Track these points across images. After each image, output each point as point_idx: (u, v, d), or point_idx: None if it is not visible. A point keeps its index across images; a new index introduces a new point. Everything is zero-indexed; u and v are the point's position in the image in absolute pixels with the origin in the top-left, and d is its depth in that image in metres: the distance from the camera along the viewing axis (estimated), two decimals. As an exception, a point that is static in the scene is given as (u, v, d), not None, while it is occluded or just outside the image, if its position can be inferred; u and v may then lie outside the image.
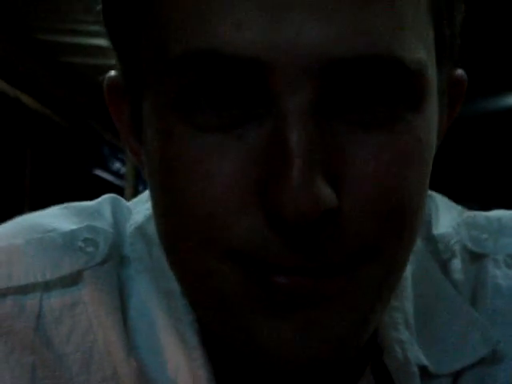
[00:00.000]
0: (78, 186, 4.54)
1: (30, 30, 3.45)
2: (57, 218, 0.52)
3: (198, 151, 0.36)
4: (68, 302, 0.48)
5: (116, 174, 5.54)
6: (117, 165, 5.52)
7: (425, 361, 0.48)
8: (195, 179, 0.36)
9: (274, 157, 0.35)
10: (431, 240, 0.53)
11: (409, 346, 0.48)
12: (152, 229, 0.50)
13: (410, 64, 0.35)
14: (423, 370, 0.48)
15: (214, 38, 0.35)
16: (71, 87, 4.18)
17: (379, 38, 0.34)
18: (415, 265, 0.51)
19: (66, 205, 0.54)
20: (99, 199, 0.54)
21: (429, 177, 0.40)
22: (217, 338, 0.47)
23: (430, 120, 0.39)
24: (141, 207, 0.53)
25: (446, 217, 0.55)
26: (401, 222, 0.38)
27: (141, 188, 4.69)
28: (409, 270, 0.50)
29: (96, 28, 3.18)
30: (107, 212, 0.52)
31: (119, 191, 4.37)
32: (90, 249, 0.49)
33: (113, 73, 0.46)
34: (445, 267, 0.52)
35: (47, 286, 0.48)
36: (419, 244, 0.51)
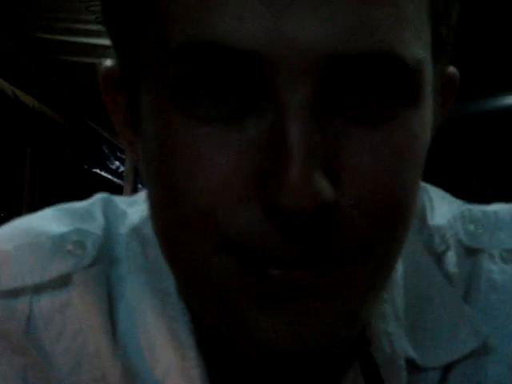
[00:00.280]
0: (77, 185, 4.54)
1: (29, 28, 3.44)
2: (48, 221, 0.52)
3: (197, 143, 0.36)
4: (58, 305, 0.48)
5: (115, 172, 5.53)
6: (116, 163, 5.50)
7: (412, 353, 0.48)
8: (193, 171, 0.37)
9: (273, 150, 0.35)
10: (426, 231, 0.53)
11: (396, 339, 0.48)
12: (148, 230, 0.50)
13: (409, 61, 0.36)
14: (411, 362, 0.48)
15: (216, 30, 0.35)
16: (70, 86, 4.17)
17: (380, 36, 0.35)
18: (409, 257, 0.51)
19: (58, 207, 0.54)
20: (91, 199, 0.54)
21: (422, 172, 0.40)
22: (212, 336, 0.47)
23: (425, 117, 0.39)
24: (137, 208, 0.53)
25: (443, 208, 0.55)
26: (395, 217, 0.38)
27: (140, 186, 4.68)
28: (401, 263, 0.50)
29: (95, 27, 3.17)
30: (98, 213, 0.53)
31: (118, 189, 4.37)
32: (78, 251, 0.49)
33: (108, 62, 0.46)
34: (439, 260, 0.53)
35: (37, 289, 0.48)
36: (413, 236, 0.52)
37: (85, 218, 0.52)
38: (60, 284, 0.49)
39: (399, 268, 0.50)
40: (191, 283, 0.41)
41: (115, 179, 5.41)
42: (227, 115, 0.36)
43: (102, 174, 5.30)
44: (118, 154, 5.39)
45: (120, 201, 0.55)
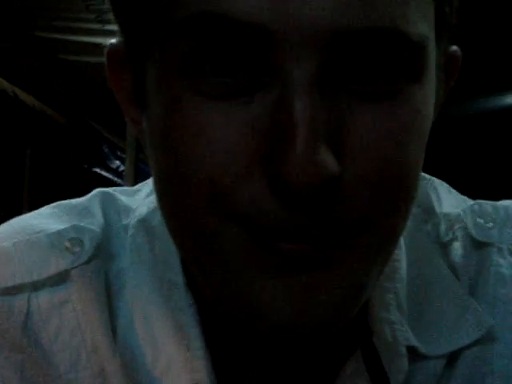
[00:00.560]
0: (77, 184, 4.53)
1: (30, 27, 3.44)
2: (46, 219, 0.52)
3: (204, 118, 0.37)
4: (56, 302, 0.49)
5: (115, 171, 5.53)
6: (116, 162, 5.50)
7: (415, 342, 0.48)
8: (200, 145, 0.37)
9: (278, 125, 0.36)
10: (432, 220, 0.54)
11: (398, 327, 0.48)
12: (156, 221, 0.51)
13: (413, 37, 0.36)
14: (414, 351, 0.49)
15: (221, 2, 0.35)
16: (71, 85, 4.17)
17: (385, 12, 0.35)
18: (413, 247, 0.51)
19: (56, 204, 0.54)
20: (90, 195, 0.55)
21: (425, 150, 0.41)
22: (217, 327, 0.48)
23: (429, 93, 0.40)
24: (144, 201, 0.53)
25: (450, 200, 0.55)
26: (399, 191, 0.39)
27: (140, 186, 4.67)
28: (404, 252, 0.51)
29: (96, 26, 3.17)
30: (96, 209, 0.53)
31: (118, 189, 4.36)
32: (76, 248, 0.50)
33: (114, 41, 0.46)
34: (444, 250, 0.53)
35: (35, 287, 0.49)
36: (418, 225, 0.52)
37: (83, 214, 0.52)
38: (58, 281, 0.49)
39: (403, 257, 0.51)
40: (198, 255, 0.41)
41: (115, 178, 5.41)
42: (233, 91, 0.37)
43: (102, 173, 5.30)
44: (118, 154, 5.39)
45: (120, 194, 0.55)
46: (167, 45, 0.38)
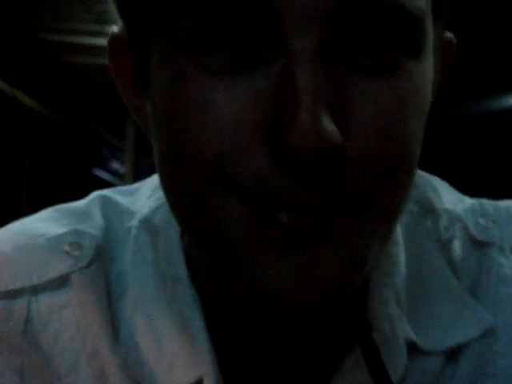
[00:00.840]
0: (76, 186, 4.54)
1: (30, 29, 3.45)
2: (46, 223, 0.52)
3: (209, 92, 0.37)
4: (56, 305, 0.49)
5: (115, 173, 5.55)
6: (116, 165, 5.52)
7: (414, 336, 0.49)
8: (205, 119, 0.37)
9: (282, 96, 0.36)
10: (431, 216, 0.54)
11: (398, 322, 0.49)
12: (158, 219, 0.51)
13: (412, 10, 0.37)
14: (413, 345, 0.49)
15: None
16: (70, 87, 4.18)
17: None
18: (412, 242, 0.51)
19: (56, 207, 0.55)
20: (89, 199, 0.55)
21: (424, 127, 0.41)
22: (222, 320, 0.48)
23: (427, 69, 0.40)
24: (145, 201, 0.53)
25: (450, 197, 0.55)
26: (399, 164, 0.39)
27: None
28: (403, 248, 0.51)
29: (96, 27, 3.18)
30: (96, 213, 0.53)
31: (118, 191, 4.37)
32: (75, 252, 0.50)
33: (115, 30, 0.46)
34: (443, 247, 0.53)
35: (35, 290, 0.49)
36: (417, 221, 0.52)
37: (82, 218, 0.53)
38: (58, 285, 0.49)
39: (401, 253, 0.51)
40: (200, 230, 0.41)
41: (115, 180, 5.43)
42: (237, 66, 0.37)
43: (102, 175, 5.32)
44: (118, 155, 5.41)
45: (118, 195, 0.55)
46: (171, 23, 0.38)
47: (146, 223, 0.51)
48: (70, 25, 3.30)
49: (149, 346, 0.48)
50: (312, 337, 0.48)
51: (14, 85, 3.66)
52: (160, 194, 0.52)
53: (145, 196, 0.54)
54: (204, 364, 0.47)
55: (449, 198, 0.55)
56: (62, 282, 0.49)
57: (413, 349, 0.49)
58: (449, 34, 0.47)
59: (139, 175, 4.18)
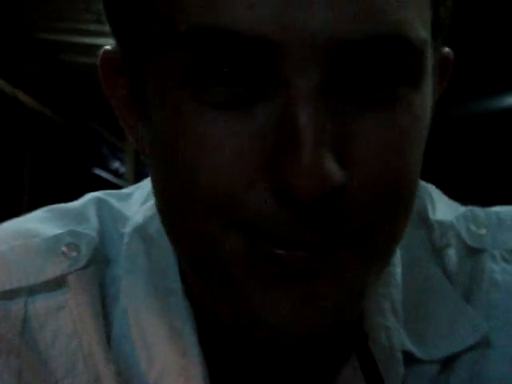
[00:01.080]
0: (77, 185, 4.54)
1: (29, 28, 3.44)
2: (41, 223, 0.52)
3: (207, 126, 0.37)
4: (53, 307, 0.48)
5: (115, 173, 5.54)
6: (116, 164, 5.51)
7: (411, 346, 0.49)
8: (203, 154, 0.37)
9: (283, 134, 0.35)
10: (426, 226, 0.54)
11: (394, 333, 0.49)
12: (153, 228, 0.50)
13: (414, 42, 0.37)
14: (410, 355, 0.49)
15: (225, 16, 0.35)
16: (70, 86, 4.18)
17: (386, 18, 0.35)
18: (407, 252, 0.51)
19: (50, 207, 0.54)
20: (84, 200, 0.54)
21: (423, 154, 0.41)
22: (214, 335, 0.48)
23: (426, 98, 0.40)
24: (139, 208, 0.53)
25: (443, 206, 0.55)
26: (399, 199, 0.39)
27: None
28: (399, 258, 0.51)
29: (95, 27, 3.18)
30: (92, 215, 0.53)
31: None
32: (72, 253, 0.49)
33: (108, 47, 0.45)
34: (438, 256, 0.53)
35: (32, 291, 0.48)
36: (412, 230, 0.52)
37: (78, 219, 0.52)
38: (55, 286, 0.49)
39: (397, 263, 0.51)
40: (198, 263, 0.41)
41: (115, 180, 5.42)
42: (236, 101, 0.37)
43: (102, 174, 5.31)
44: (118, 155, 5.40)
45: (113, 199, 0.55)
46: (167, 56, 0.38)
47: (140, 232, 0.51)
48: (71, 24, 3.29)
49: (140, 355, 0.48)
50: (308, 349, 0.48)
51: (14, 84, 3.65)
52: (154, 201, 0.51)
53: (138, 202, 0.53)
54: (195, 377, 0.46)
55: (442, 208, 0.55)
56: (58, 283, 0.49)
57: (409, 358, 0.49)
58: (445, 49, 0.47)
59: (139, 175, 4.17)
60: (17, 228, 0.52)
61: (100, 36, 3.16)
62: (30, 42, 3.59)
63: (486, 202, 0.58)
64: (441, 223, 0.54)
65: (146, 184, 0.55)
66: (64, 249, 0.49)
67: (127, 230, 0.51)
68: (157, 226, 0.50)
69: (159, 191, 0.42)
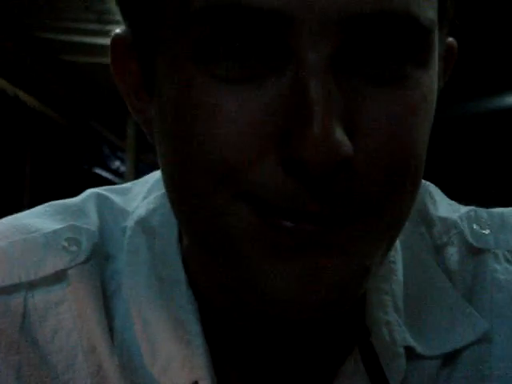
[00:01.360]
0: (77, 185, 4.54)
1: (30, 28, 3.45)
2: (40, 218, 0.52)
3: (218, 100, 0.37)
4: (52, 301, 0.49)
5: (115, 172, 5.54)
6: (116, 163, 5.52)
7: (412, 342, 0.49)
8: (214, 127, 0.37)
9: (293, 107, 0.36)
10: (427, 221, 0.54)
11: (396, 328, 0.49)
12: (156, 221, 0.51)
13: (423, 21, 0.37)
14: (411, 351, 0.49)
15: None
16: (71, 86, 4.18)
17: None
18: (408, 248, 0.52)
19: (49, 203, 0.54)
20: (83, 196, 0.54)
21: (429, 133, 0.42)
22: (218, 325, 0.48)
23: (433, 78, 0.41)
24: (141, 202, 0.53)
25: (445, 204, 0.56)
26: (408, 171, 0.39)
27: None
28: (400, 254, 0.51)
29: (96, 26, 3.18)
30: (92, 210, 0.53)
31: (119, 190, 4.36)
32: (73, 248, 0.49)
33: (118, 31, 0.46)
34: (438, 253, 0.53)
35: (31, 286, 0.49)
36: (412, 227, 0.52)
37: (77, 214, 0.52)
38: (54, 280, 0.49)
39: (399, 259, 0.51)
40: (206, 236, 0.41)
41: (115, 179, 5.42)
42: (248, 74, 0.37)
43: (103, 173, 5.32)
44: (119, 154, 5.41)
45: (112, 194, 0.55)
46: (181, 32, 0.38)
47: (143, 224, 0.51)
48: (72, 24, 3.29)
49: (143, 347, 0.48)
50: (311, 342, 0.49)
51: (15, 84, 3.66)
52: (157, 195, 0.52)
53: (140, 196, 0.54)
54: (199, 368, 0.47)
55: (444, 206, 0.56)
56: (58, 277, 0.49)
57: (411, 353, 0.49)
58: (450, 39, 0.47)
59: (140, 174, 4.18)
60: (16, 223, 0.52)
61: (100, 35, 3.16)
62: (31, 42, 3.59)
63: (485, 201, 0.58)
64: (443, 220, 0.54)
65: (147, 179, 0.55)
66: (64, 243, 0.50)
67: (129, 223, 0.52)
68: (160, 219, 0.50)
69: (167, 166, 0.42)
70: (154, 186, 0.53)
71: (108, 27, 2.99)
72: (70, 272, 0.49)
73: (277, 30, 0.36)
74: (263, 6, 0.35)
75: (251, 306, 0.42)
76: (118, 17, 0.45)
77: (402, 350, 0.48)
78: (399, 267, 0.51)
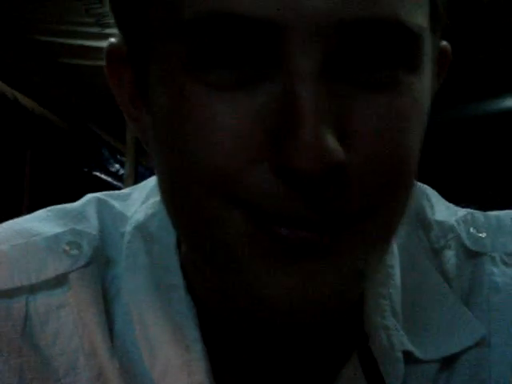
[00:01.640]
0: (77, 188, 4.54)
1: (29, 31, 3.44)
2: (41, 222, 0.52)
3: (210, 108, 0.38)
4: (54, 305, 0.49)
5: (115, 175, 5.53)
6: (116, 166, 5.51)
7: (410, 346, 0.49)
8: (206, 134, 0.38)
9: (284, 114, 0.36)
10: (424, 225, 0.54)
11: (394, 332, 0.49)
12: (154, 226, 0.51)
13: (412, 27, 0.38)
14: (409, 355, 0.49)
15: (229, 0, 0.36)
16: (70, 89, 4.18)
17: (386, 2, 0.37)
18: (405, 252, 0.52)
19: (50, 208, 0.55)
20: (84, 200, 0.55)
21: (422, 138, 0.41)
22: (216, 331, 0.48)
23: (425, 83, 0.41)
24: (140, 207, 0.53)
25: (442, 208, 0.56)
26: (400, 176, 0.40)
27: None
28: (397, 259, 0.51)
29: (96, 30, 3.18)
30: (92, 214, 0.53)
31: (118, 193, 4.35)
32: (74, 252, 0.50)
33: (113, 40, 0.46)
34: (436, 257, 0.53)
35: (33, 289, 0.49)
36: (410, 230, 0.53)
37: (79, 218, 0.53)
38: (56, 284, 0.49)
39: (396, 264, 0.51)
40: (201, 243, 0.42)
41: (115, 182, 5.41)
42: (239, 81, 0.38)
43: (102, 176, 5.31)
44: (118, 157, 5.39)
45: (112, 199, 0.55)
46: (173, 42, 0.39)
47: (141, 230, 0.52)
48: (71, 27, 3.29)
49: (142, 352, 0.49)
50: (309, 347, 0.49)
51: (14, 87, 3.65)
52: (155, 200, 0.52)
53: (138, 201, 0.54)
54: (198, 373, 0.47)
55: (441, 209, 0.56)
56: (59, 281, 0.49)
57: (409, 358, 0.49)
58: (443, 43, 0.48)
59: (139, 177, 4.17)
60: (17, 227, 0.52)
61: (100, 38, 3.16)
62: (30, 45, 3.58)
63: (484, 204, 0.58)
64: (441, 224, 0.54)
65: (145, 185, 0.56)
66: (65, 247, 0.50)
67: (128, 229, 0.52)
68: (158, 224, 0.51)
69: (163, 175, 0.43)
70: (153, 191, 0.54)
71: (108, 30, 2.99)
72: (71, 276, 0.49)
73: (268, 37, 0.36)
74: (254, 15, 0.36)
75: (249, 313, 0.43)
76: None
77: (400, 355, 0.49)
78: (397, 271, 0.51)
